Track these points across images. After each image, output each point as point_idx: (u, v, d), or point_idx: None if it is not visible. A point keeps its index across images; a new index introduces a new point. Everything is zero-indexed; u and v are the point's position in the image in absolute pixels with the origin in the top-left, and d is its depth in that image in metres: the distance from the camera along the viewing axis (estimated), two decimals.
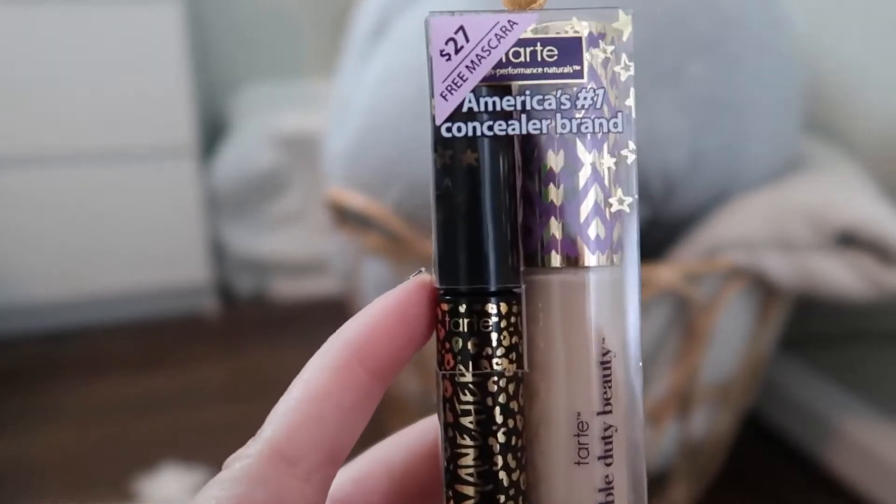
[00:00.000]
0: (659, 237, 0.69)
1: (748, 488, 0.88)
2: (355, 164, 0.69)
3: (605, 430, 0.16)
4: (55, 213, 1.26)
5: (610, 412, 0.16)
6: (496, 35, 0.15)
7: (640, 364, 0.16)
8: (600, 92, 0.15)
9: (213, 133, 1.49)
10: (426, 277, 0.17)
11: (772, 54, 0.67)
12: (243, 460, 0.16)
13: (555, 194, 0.15)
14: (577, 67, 0.15)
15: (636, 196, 0.16)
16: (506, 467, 0.15)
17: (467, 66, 0.15)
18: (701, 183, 0.64)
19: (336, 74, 0.83)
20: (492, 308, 0.16)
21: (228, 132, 1.42)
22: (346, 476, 0.19)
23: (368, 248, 0.71)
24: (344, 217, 0.74)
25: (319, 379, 0.17)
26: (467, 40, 0.15)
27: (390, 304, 0.17)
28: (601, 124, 0.15)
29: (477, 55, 0.15)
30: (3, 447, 1.01)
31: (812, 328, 0.93)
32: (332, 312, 1.36)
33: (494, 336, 0.16)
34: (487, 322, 0.16)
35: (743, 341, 0.71)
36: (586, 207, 0.15)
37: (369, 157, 0.68)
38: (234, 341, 1.31)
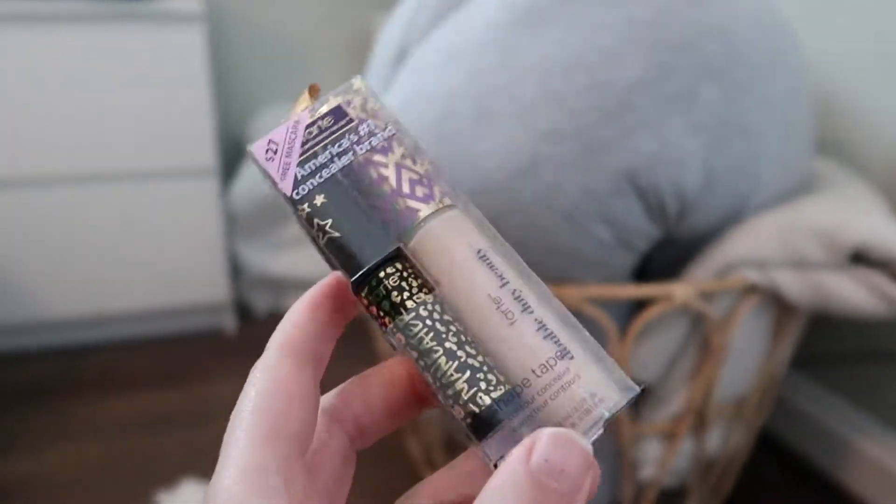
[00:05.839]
0: (674, 256, 0.71)
1: None
2: None
3: (513, 293, 0.21)
4: (77, 231, 1.28)
5: (508, 282, 0.21)
6: (290, 132, 0.23)
7: (506, 245, 0.22)
8: (369, 121, 0.23)
9: (233, 155, 1.52)
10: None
11: (782, 77, 0.68)
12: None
13: (388, 187, 0.23)
14: (349, 119, 0.24)
15: (430, 156, 0.23)
16: (469, 355, 0.21)
17: (286, 156, 0.23)
18: (714, 203, 0.66)
19: None
20: (389, 269, 0.22)
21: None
22: (329, 395, 0.24)
23: None
24: None
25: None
26: (277, 144, 0.23)
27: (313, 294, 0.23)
28: (382, 135, 0.23)
29: (288, 147, 0.23)
30: (22, 462, 1.02)
31: (826, 347, 0.93)
32: (346, 328, 1.37)
33: (404, 284, 0.22)
34: (393, 278, 0.22)
35: (758, 357, 0.72)
36: (406, 182, 0.23)
37: None
38: (251, 358, 1.30)
